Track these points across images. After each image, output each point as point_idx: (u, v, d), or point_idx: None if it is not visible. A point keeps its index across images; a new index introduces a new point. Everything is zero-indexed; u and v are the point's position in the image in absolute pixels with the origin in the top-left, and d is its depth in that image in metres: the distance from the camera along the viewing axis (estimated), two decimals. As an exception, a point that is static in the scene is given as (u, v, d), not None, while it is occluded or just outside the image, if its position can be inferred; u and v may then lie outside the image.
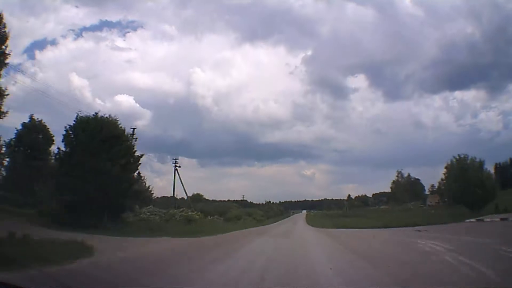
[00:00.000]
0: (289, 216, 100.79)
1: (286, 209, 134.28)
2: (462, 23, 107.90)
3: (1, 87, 19.41)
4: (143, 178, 38.00)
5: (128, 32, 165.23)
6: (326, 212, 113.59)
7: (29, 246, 9.78)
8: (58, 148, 23.13)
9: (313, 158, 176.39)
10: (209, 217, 39.29)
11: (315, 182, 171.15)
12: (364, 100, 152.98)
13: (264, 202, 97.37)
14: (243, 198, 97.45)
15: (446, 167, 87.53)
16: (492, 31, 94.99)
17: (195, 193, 67.09)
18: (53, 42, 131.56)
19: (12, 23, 55.68)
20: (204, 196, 68.41)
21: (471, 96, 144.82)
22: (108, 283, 7.14)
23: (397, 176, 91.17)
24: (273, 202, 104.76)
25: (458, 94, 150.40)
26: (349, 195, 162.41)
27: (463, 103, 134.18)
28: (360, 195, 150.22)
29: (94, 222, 19.66)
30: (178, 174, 46.67)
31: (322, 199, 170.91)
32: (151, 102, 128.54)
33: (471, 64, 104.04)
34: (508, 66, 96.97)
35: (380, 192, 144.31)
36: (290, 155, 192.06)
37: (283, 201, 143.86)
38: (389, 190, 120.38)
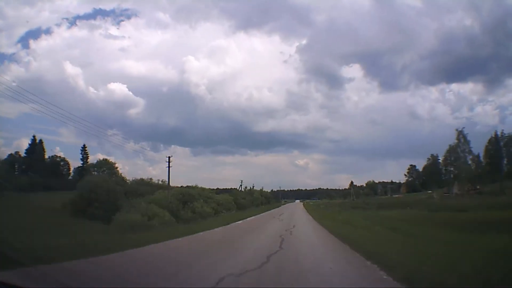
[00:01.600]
0: (278, 207, 70.60)
1: (276, 197, 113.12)
2: (461, 15, 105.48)
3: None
4: None
5: (122, 20, 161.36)
6: (329, 201, 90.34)
7: None
8: None
9: (307, 147, 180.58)
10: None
11: (308, 171, 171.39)
12: (359, 90, 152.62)
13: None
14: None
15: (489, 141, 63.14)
16: (491, 24, 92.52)
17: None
18: (48, 31, 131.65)
19: (8, 13, 59.67)
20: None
21: (468, 89, 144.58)
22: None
23: (458, 138, 62.94)
24: (253, 187, 79.60)
25: (455, 86, 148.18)
26: (351, 182, 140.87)
27: (460, 96, 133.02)
28: (359, 184, 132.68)
29: None
30: None
31: (316, 189, 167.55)
32: (144, 90, 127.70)
33: (469, 56, 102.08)
34: (507, 59, 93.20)
35: (380, 182, 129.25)
36: (284, 144, 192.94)
37: (276, 189, 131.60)
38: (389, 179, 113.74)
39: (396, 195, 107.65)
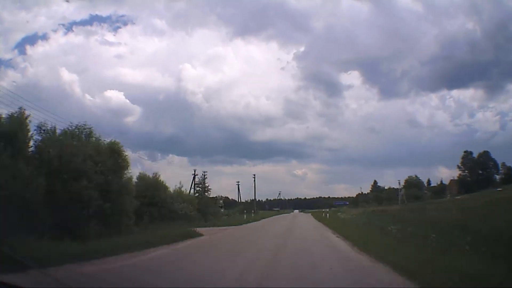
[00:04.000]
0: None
1: (251, 207, 74.59)
2: (462, 19, 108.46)
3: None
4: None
5: (119, 27, 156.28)
6: (367, 209, 50.29)
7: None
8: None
9: (305, 157, 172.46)
10: None
11: (307, 181, 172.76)
12: (358, 98, 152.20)
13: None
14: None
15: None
16: (492, 28, 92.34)
17: None
18: (44, 37, 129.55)
19: (4, 17, 67.39)
20: None
21: (468, 95, 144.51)
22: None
23: None
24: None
25: (455, 93, 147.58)
26: (375, 182, 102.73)
27: (460, 103, 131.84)
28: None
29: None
30: None
31: (316, 197, 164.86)
32: (141, 98, 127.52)
33: (470, 61, 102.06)
34: (508, 64, 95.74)
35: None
36: (282, 154, 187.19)
37: (272, 199, 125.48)
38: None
39: (458, 197, 69.53)
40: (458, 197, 68.55)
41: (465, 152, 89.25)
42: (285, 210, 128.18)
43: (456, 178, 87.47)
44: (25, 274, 5.91)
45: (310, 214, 73.93)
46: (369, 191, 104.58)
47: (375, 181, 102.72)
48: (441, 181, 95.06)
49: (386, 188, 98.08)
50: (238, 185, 78.26)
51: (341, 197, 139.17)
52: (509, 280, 6.40)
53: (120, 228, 16.16)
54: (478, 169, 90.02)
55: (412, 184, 77.70)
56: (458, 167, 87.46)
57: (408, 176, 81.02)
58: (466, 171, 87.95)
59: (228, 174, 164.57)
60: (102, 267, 9.27)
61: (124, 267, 9.68)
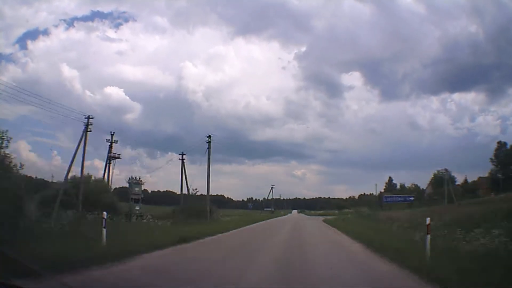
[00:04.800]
0: None
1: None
2: (465, 22, 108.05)
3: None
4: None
5: (120, 23, 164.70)
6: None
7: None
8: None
9: (305, 157, 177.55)
10: None
11: (306, 182, 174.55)
12: (359, 99, 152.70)
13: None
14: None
15: None
16: (495, 31, 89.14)
17: None
18: (45, 32, 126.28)
19: (6, 12, 71.86)
20: None
21: (470, 98, 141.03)
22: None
23: None
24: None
25: (456, 96, 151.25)
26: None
27: (461, 106, 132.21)
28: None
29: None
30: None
31: (315, 198, 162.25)
32: (141, 95, 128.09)
33: (472, 64, 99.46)
34: (510, 68, 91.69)
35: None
36: (282, 154, 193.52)
37: (270, 198, 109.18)
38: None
39: (502, 195, 57.84)
40: (502, 195, 57.14)
41: (498, 143, 77.80)
42: (281, 212, 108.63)
43: (487, 174, 76.12)
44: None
45: (322, 220, 50.18)
46: (383, 190, 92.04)
47: (390, 178, 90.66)
48: (466, 179, 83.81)
49: (398, 186, 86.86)
50: (183, 168, 43.63)
51: (340, 198, 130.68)
52: None
53: None
54: (510, 164, 78.78)
55: (442, 180, 65.32)
56: (491, 160, 75.78)
57: (437, 171, 68.65)
58: (499, 166, 76.59)
59: (228, 173, 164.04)
60: None
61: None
